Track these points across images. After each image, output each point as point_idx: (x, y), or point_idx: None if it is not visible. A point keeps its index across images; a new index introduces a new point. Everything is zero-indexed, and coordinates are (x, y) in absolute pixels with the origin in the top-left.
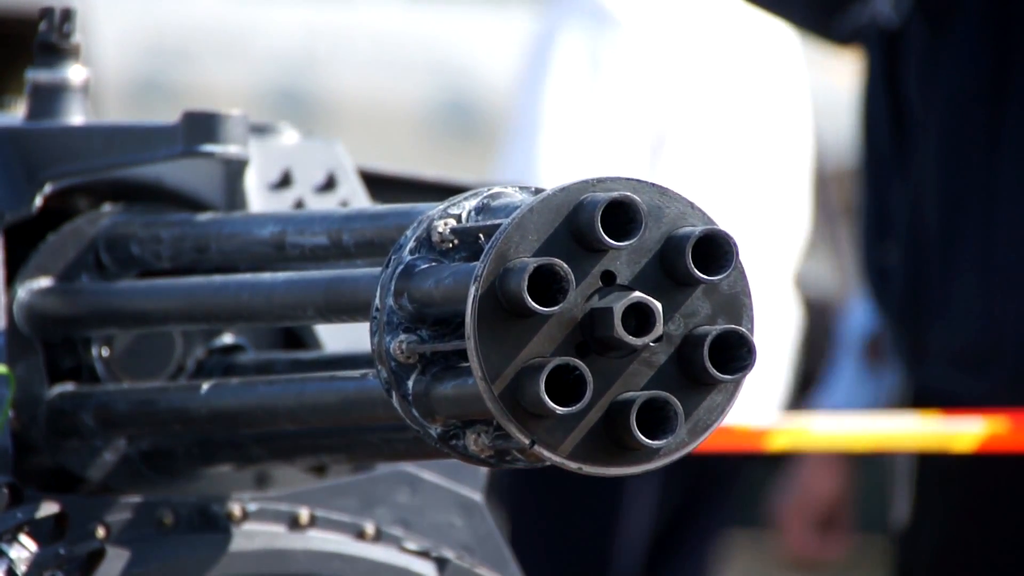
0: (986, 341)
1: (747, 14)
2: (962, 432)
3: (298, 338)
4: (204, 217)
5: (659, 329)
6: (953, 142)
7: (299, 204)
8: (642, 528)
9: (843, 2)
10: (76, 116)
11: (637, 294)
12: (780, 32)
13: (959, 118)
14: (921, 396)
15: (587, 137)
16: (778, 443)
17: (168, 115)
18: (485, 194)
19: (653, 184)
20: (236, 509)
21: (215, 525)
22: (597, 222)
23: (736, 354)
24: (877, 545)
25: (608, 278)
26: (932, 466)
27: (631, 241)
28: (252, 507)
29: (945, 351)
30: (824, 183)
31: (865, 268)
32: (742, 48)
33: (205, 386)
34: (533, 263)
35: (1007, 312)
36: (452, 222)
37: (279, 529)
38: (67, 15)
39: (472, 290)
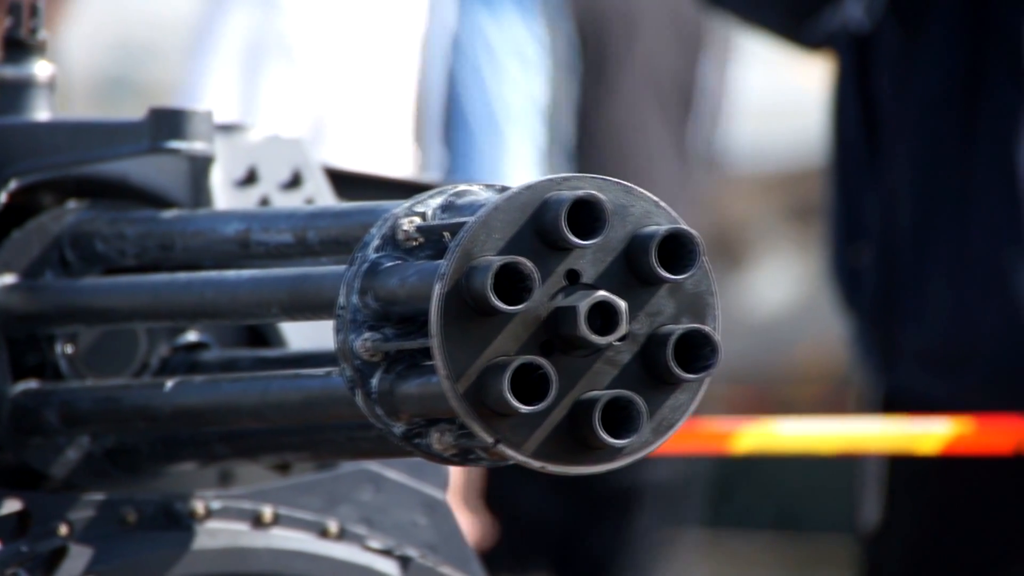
0: (959, 343)
1: None
2: (928, 434)
3: (263, 336)
4: (169, 214)
5: (624, 328)
6: (927, 144)
7: (264, 201)
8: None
9: (814, 7)
10: (42, 112)
11: (602, 293)
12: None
13: (933, 120)
14: (892, 399)
15: (250, 120)
16: (743, 445)
17: (135, 111)
18: (450, 192)
19: (618, 183)
20: (199, 507)
21: (178, 523)
22: (562, 220)
23: (700, 353)
24: (844, 546)
25: (573, 277)
26: (902, 468)
27: (596, 240)
28: (215, 505)
29: (917, 353)
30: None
31: (835, 270)
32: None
33: (169, 384)
34: (498, 261)
35: (981, 314)
36: (417, 220)
37: (242, 527)
38: (33, 11)
39: (437, 288)
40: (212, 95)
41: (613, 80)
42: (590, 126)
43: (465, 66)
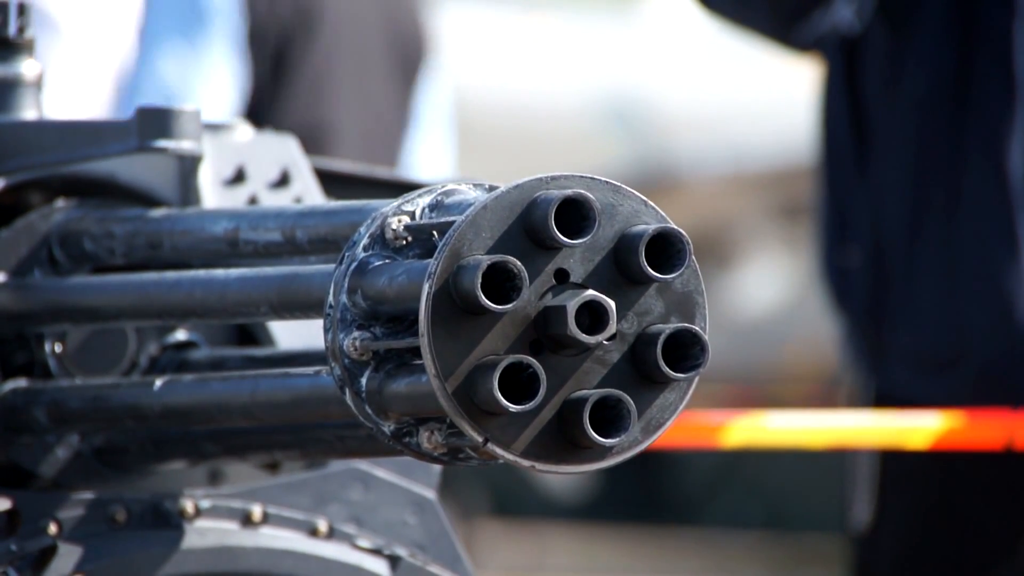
0: (949, 344)
1: None
2: (918, 428)
3: (252, 335)
4: (157, 213)
5: (612, 327)
6: (916, 145)
7: (253, 200)
8: None
9: (804, 10)
10: (30, 111)
11: (590, 292)
12: None
13: (922, 121)
14: (881, 399)
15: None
16: (732, 439)
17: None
18: (439, 191)
19: (607, 182)
20: (189, 506)
21: (167, 522)
22: (551, 220)
23: (689, 353)
24: (833, 545)
25: (562, 276)
26: (893, 466)
27: (585, 239)
28: (205, 504)
29: (907, 354)
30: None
31: (825, 270)
32: None
33: (158, 382)
34: (487, 261)
35: (970, 315)
36: (406, 219)
37: (231, 526)
38: (21, 10)
39: (426, 287)
40: None
41: (293, 74)
42: (270, 117)
43: (150, 50)
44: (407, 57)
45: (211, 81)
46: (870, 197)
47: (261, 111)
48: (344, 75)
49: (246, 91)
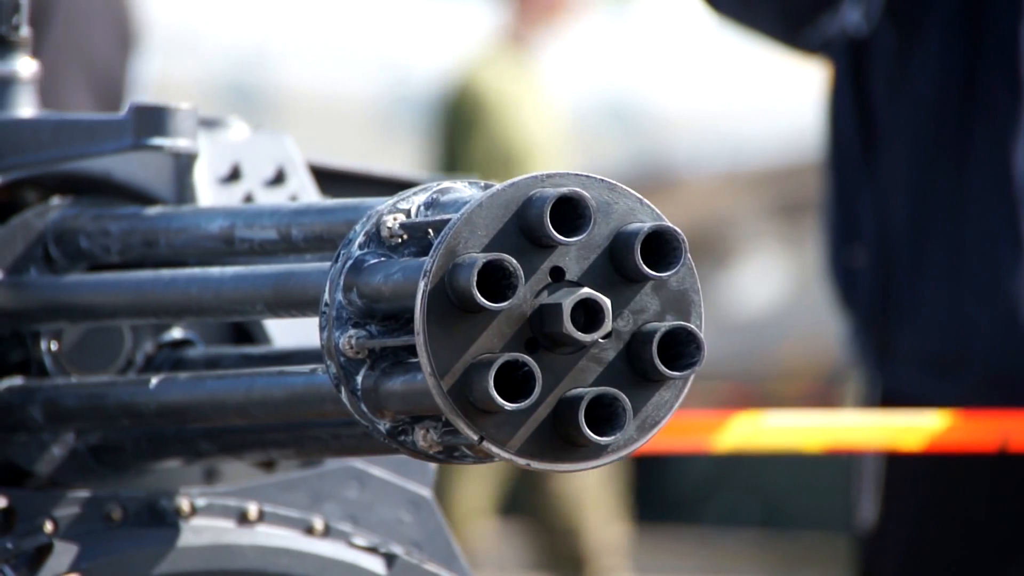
0: (955, 344)
1: None
2: (913, 428)
3: (247, 333)
4: (153, 211)
5: (608, 325)
6: (923, 147)
7: (248, 198)
8: None
9: (812, 13)
10: (25, 108)
11: (586, 290)
12: None
13: (929, 123)
14: (888, 399)
15: None
16: (728, 441)
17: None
18: (434, 189)
19: (602, 180)
20: (184, 504)
21: (163, 520)
22: (546, 218)
23: (685, 351)
24: (830, 544)
25: (557, 274)
26: (900, 466)
27: (580, 237)
28: (200, 502)
29: (913, 354)
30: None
31: (832, 270)
32: None
33: (154, 380)
34: (482, 258)
35: (976, 315)
36: (401, 217)
37: (227, 524)
38: (16, 7)
39: (421, 285)
40: None
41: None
42: None
43: None
44: (124, 36)
45: None
46: (876, 197)
47: None
48: (75, 61)
49: None
